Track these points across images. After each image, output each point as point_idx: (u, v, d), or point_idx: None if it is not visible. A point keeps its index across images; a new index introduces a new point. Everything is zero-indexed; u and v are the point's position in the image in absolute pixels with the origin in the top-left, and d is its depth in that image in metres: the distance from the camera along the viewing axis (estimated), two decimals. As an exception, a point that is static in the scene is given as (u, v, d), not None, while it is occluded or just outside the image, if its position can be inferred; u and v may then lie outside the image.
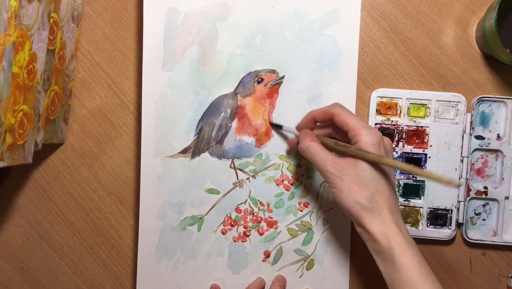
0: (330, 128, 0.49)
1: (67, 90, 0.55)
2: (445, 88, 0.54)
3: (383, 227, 0.42)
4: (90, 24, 0.56)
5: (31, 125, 0.45)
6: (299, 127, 0.50)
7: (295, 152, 0.53)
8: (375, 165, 0.43)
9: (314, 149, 0.45)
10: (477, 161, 0.53)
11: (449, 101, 0.53)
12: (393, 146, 0.53)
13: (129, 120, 0.56)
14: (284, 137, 0.53)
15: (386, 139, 0.45)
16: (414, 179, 0.53)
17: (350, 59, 0.52)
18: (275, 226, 0.53)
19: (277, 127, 0.52)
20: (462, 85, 0.54)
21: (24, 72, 0.43)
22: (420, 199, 0.53)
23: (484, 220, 0.53)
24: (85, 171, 0.57)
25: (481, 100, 0.53)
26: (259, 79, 0.53)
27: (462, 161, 0.53)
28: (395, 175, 0.53)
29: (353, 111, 0.52)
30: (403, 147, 0.53)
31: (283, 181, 0.53)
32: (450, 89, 0.54)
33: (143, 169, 0.53)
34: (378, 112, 0.53)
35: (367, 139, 0.43)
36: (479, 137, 0.53)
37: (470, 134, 0.53)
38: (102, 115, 0.56)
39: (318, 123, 0.49)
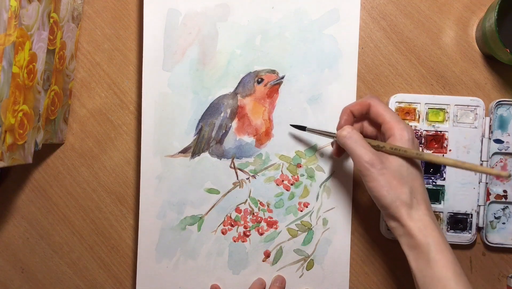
0: (362, 121, 0.48)
1: (67, 90, 0.55)
2: (445, 88, 0.54)
3: (420, 223, 0.42)
4: (90, 24, 0.56)
5: (31, 125, 0.45)
6: (339, 126, 0.48)
7: (295, 152, 0.53)
8: (411, 161, 0.43)
9: (356, 136, 0.44)
10: (496, 165, 0.53)
11: (468, 106, 0.53)
12: None
13: (129, 120, 0.56)
14: (289, 137, 0.53)
15: (416, 138, 0.45)
16: (433, 183, 0.53)
17: (350, 59, 0.52)
18: (275, 226, 0.53)
19: (300, 129, 0.51)
20: (462, 85, 0.54)
21: (24, 72, 0.43)
22: (440, 203, 0.53)
23: (504, 223, 0.53)
24: (85, 171, 0.57)
25: (499, 104, 0.53)
26: (259, 79, 0.53)
27: (481, 164, 0.53)
28: None
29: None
30: (423, 151, 0.53)
31: (283, 181, 0.53)
32: (450, 89, 0.54)
33: (143, 168, 0.53)
34: None
35: (404, 134, 0.43)
36: (498, 141, 0.53)
37: (489, 138, 0.53)
38: (102, 115, 0.56)
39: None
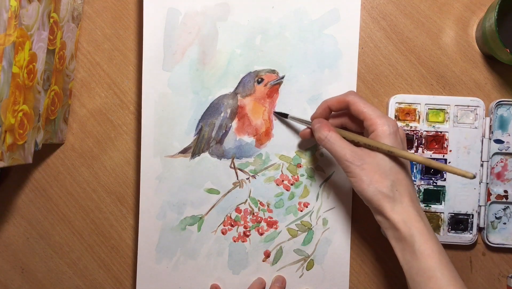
0: (344, 117, 0.49)
1: (67, 90, 0.55)
2: (445, 88, 0.54)
3: (404, 215, 0.42)
4: (90, 24, 0.56)
5: (31, 125, 0.45)
6: (313, 117, 0.50)
7: (295, 152, 0.53)
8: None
9: (333, 138, 0.45)
10: (496, 165, 0.53)
11: (468, 106, 0.53)
12: (413, 151, 0.53)
13: (129, 120, 0.56)
14: (289, 130, 0.53)
15: (401, 130, 0.45)
16: (434, 184, 0.53)
17: (350, 59, 0.52)
18: (275, 226, 0.53)
19: (282, 116, 0.52)
20: (462, 85, 0.54)
21: (24, 72, 0.43)
22: (441, 204, 0.53)
23: (505, 223, 0.54)
24: (85, 171, 0.57)
25: (499, 104, 0.53)
26: (259, 79, 0.53)
27: (482, 165, 0.53)
28: (415, 181, 0.53)
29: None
30: (423, 152, 0.53)
31: (283, 181, 0.53)
32: (450, 89, 0.54)
33: (143, 168, 0.53)
34: (397, 118, 0.53)
35: (384, 129, 0.43)
36: (498, 141, 0.53)
37: (490, 139, 0.53)
38: (102, 115, 0.56)
39: (332, 112, 0.49)
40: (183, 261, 0.54)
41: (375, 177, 0.43)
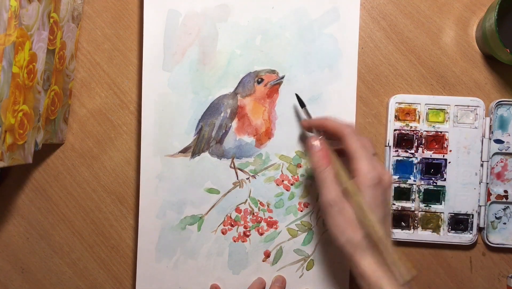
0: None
1: (67, 90, 0.55)
2: (445, 88, 0.54)
3: (374, 266, 0.41)
4: (90, 24, 0.56)
5: (31, 125, 0.45)
6: (312, 125, 0.48)
7: (295, 152, 0.53)
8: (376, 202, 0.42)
9: (326, 175, 0.44)
10: (496, 165, 0.53)
11: (468, 106, 0.53)
12: (413, 151, 0.53)
13: (129, 120, 0.56)
14: (289, 130, 0.53)
15: (387, 178, 0.43)
16: (434, 184, 0.53)
17: (350, 59, 0.52)
18: (275, 226, 0.53)
19: (300, 103, 0.50)
20: (462, 85, 0.54)
21: (24, 72, 0.43)
22: (441, 204, 0.53)
23: (505, 223, 0.54)
24: (85, 171, 0.57)
25: (499, 104, 0.53)
26: (259, 79, 0.53)
27: (482, 165, 0.53)
28: (415, 181, 0.53)
29: (354, 111, 0.52)
30: (423, 152, 0.53)
31: (283, 181, 0.53)
32: (450, 89, 0.54)
33: (143, 168, 0.53)
34: (397, 118, 0.53)
35: (364, 180, 0.42)
36: (498, 141, 0.53)
37: (490, 139, 0.53)
38: (102, 115, 0.56)
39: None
40: (183, 261, 0.54)
41: (350, 224, 0.42)
